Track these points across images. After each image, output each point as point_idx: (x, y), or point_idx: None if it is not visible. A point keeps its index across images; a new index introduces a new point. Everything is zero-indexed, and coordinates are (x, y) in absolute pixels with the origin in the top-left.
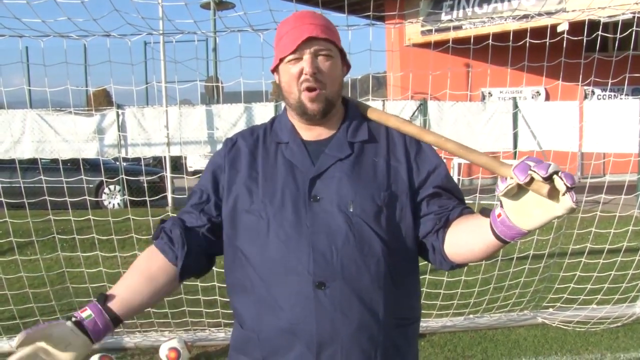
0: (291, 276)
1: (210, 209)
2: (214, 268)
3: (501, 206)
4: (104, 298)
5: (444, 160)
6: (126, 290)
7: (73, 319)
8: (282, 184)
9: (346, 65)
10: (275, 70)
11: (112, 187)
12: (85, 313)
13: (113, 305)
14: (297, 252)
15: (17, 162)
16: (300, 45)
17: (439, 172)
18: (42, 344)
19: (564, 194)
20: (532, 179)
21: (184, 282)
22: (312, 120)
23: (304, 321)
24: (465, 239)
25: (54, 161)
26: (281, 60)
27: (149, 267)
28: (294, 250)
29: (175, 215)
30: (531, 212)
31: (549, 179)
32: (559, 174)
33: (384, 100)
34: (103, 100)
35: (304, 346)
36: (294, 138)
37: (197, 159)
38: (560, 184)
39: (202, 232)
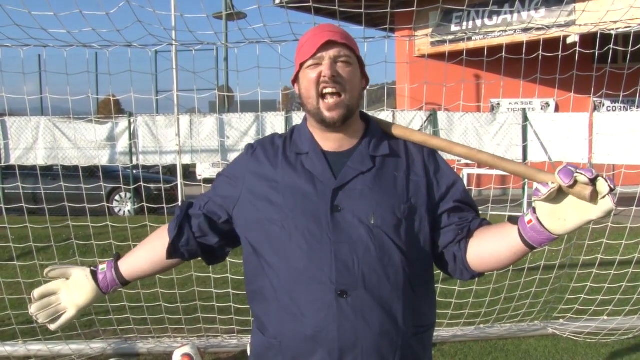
0: (314, 285)
1: (213, 207)
2: (228, 275)
3: (533, 212)
4: (117, 258)
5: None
6: (133, 256)
7: (91, 267)
8: (303, 195)
9: (365, 78)
10: (295, 81)
11: (122, 194)
12: (101, 266)
13: (122, 266)
14: (320, 262)
15: (38, 168)
16: (319, 48)
17: (458, 187)
18: (63, 281)
19: (604, 197)
20: (575, 182)
21: (199, 289)
22: (331, 127)
23: (327, 328)
24: (491, 247)
25: (66, 168)
26: (301, 67)
27: (154, 239)
28: (316, 260)
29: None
30: (566, 216)
31: (593, 181)
32: (603, 176)
33: (394, 111)
34: (113, 108)
35: (325, 352)
36: (314, 149)
37: (206, 168)
38: (604, 185)
39: (199, 221)
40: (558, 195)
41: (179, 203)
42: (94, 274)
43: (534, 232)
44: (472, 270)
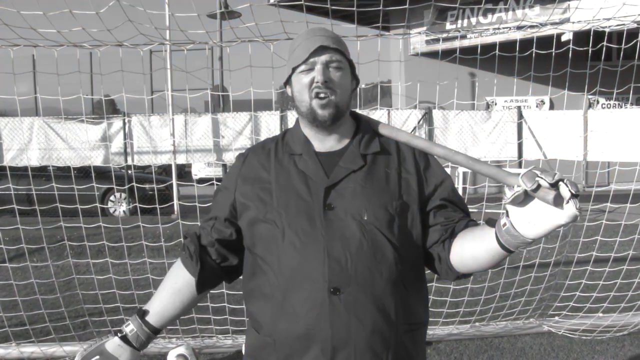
0: (307, 283)
1: (220, 227)
2: None
3: (507, 215)
4: (142, 313)
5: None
6: (159, 304)
7: (119, 334)
8: (296, 194)
9: (355, 79)
10: (287, 82)
11: (117, 194)
12: (129, 328)
13: (150, 319)
14: (313, 259)
15: (29, 169)
16: (312, 53)
17: (446, 185)
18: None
19: (567, 201)
20: (538, 186)
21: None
22: (322, 127)
23: (320, 326)
24: (471, 248)
25: (61, 169)
26: (294, 70)
27: (175, 281)
28: (309, 258)
29: (194, 229)
30: (535, 221)
31: (555, 186)
32: (565, 181)
33: (388, 110)
34: (109, 108)
35: (318, 350)
36: (307, 150)
37: (201, 168)
38: (565, 190)
39: (215, 248)
40: (527, 199)
41: (181, 238)
42: (125, 339)
43: (509, 236)
44: (455, 271)
